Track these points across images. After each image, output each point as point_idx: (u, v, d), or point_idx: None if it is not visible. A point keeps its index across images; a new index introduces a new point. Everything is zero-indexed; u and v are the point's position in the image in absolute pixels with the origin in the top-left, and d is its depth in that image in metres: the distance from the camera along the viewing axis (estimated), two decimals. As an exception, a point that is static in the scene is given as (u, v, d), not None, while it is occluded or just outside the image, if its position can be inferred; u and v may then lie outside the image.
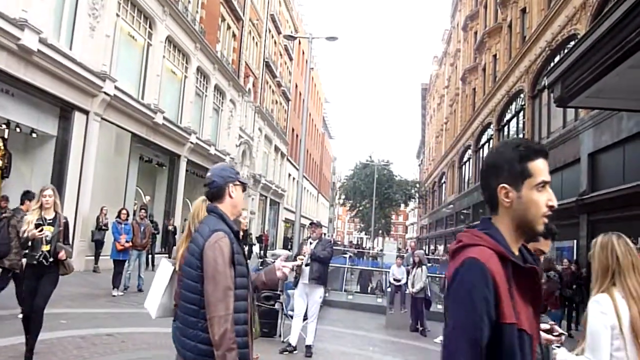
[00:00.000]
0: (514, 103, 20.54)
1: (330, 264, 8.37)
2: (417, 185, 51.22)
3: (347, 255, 20.81)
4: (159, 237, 16.55)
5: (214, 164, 17.96)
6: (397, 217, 79.17)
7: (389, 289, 12.36)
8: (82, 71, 11.78)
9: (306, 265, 6.98)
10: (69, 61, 11.33)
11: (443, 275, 13.84)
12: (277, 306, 8.24)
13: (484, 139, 26.11)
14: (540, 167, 1.48)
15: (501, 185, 1.46)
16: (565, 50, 14.06)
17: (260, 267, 8.65)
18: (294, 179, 41.62)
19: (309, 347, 7.07)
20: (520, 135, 19.21)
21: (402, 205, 55.10)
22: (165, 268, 3.14)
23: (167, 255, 17.37)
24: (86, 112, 12.52)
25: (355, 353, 7.89)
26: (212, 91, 21.71)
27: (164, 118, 16.43)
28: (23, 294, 5.40)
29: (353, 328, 10.34)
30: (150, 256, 14.75)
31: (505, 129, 22.02)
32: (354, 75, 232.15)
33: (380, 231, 51.02)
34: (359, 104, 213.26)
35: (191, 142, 18.88)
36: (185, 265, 2.49)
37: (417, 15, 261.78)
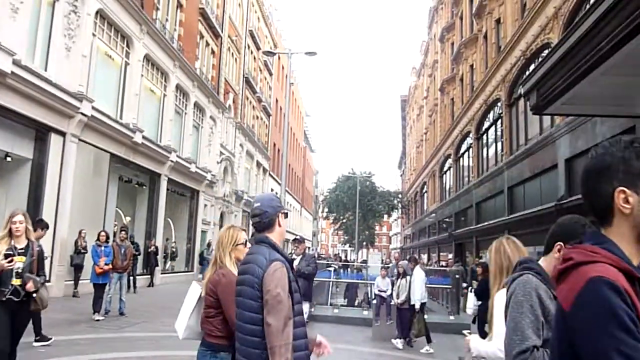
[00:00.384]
0: (492, 111, 20.81)
1: (315, 279, 8.29)
2: (400, 196, 51.49)
3: (331, 269, 20.73)
4: (140, 259, 16.32)
5: (195, 181, 17.87)
6: (381, 228, 79.30)
7: (374, 301, 12.31)
8: (58, 92, 11.64)
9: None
10: (44, 82, 11.19)
11: (429, 285, 13.83)
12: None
13: (464, 147, 26.38)
14: None
15: (619, 189, 1.24)
16: (539, 59, 14.33)
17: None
18: (276, 193, 41.49)
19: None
20: (499, 143, 19.46)
21: (385, 216, 55.29)
22: (194, 291, 3.21)
23: (148, 275, 17.13)
24: (63, 134, 12.35)
25: (343, 368, 7.80)
26: (191, 108, 21.62)
27: (144, 137, 16.29)
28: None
29: (340, 342, 10.24)
30: (131, 278, 14.51)
31: (484, 137, 22.28)
32: (334, 88, 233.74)
33: (364, 243, 51.04)
34: (339, 117, 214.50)
35: (171, 161, 18.73)
36: (241, 296, 2.51)
37: (394, 28, 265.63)
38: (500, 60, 18.53)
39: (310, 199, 69.81)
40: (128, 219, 16.98)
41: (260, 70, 36.45)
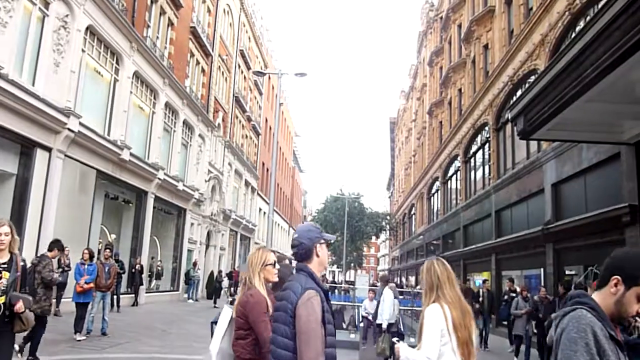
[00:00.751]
0: (480, 135, 21.01)
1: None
2: (388, 217, 51.49)
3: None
4: (124, 277, 16.05)
5: (182, 200, 17.72)
6: (369, 250, 79.07)
7: (361, 324, 12.18)
8: (45, 107, 11.54)
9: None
10: (31, 97, 11.09)
11: (417, 308, 13.77)
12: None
13: (452, 170, 26.54)
14: None
15: None
16: (526, 85, 14.54)
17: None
18: (264, 213, 41.33)
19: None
20: (487, 167, 19.60)
21: (374, 238, 55.20)
22: (226, 313, 3.27)
23: (132, 294, 16.84)
24: (49, 149, 12.21)
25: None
26: (180, 126, 21.57)
27: (131, 154, 16.17)
28: None
29: (325, 366, 10.09)
30: (115, 297, 14.27)
31: (472, 160, 22.45)
32: (324, 109, 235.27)
33: (352, 264, 50.80)
34: (329, 138, 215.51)
35: (159, 178, 18.59)
36: (277, 321, 2.57)
37: (384, 51, 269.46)
38: (488, 85, 18.78)
39: (298, 219, 69.56)
40: (113, 236, 16.75)
41: (251, 89, 36.59)
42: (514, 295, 12.83)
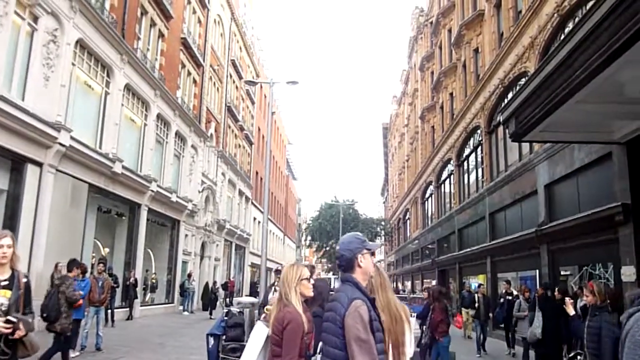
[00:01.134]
0: (472, 139, 21.08)
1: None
2: (383, 223, 51.49)
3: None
4: (119, 291, 15.91)
5: (176, 211, 17.59)
6: (365, 256, 78.85)
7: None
8: (35, 122, 11.46)
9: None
10: (21, 112, 11.01)
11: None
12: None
13: (445, 174, 26.59)
14: None
15: None
16: (517, 87, 14.61)
17: (225, 317, 8.31)
18: (259, 222, 41.20)
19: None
20: (480, 170, 19.64)
21: (369, 244, 55.06)
22: (260, 331, 3.25)
23: (127, 308, 16.69)
24: (40, 164, 12.11)
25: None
26: (172, 137, 21.50)
27: (123, 167, 16.09)
28: None
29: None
30: (109, 311, 14.14)
31: (465, 164, 22.50)
32: (317, 116, 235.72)
33: (348, 271, 50.63)
34: (322, 145, 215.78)
35: (152, 191, 18.49)
36: (326, 332, 2.61)
37: (375, 57, 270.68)
38: (479, 88, 18.87)
39: (293, 227, 69.43)
40: (107, 250, 16.62)
41: (243, 99, 36.60)
42: (510, 297, 12.80)
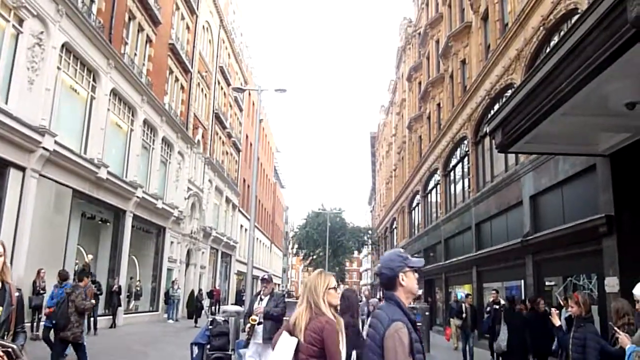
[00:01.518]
0: (459, 149, 21.21)
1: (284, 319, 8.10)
2: (370, 232, 51.55)
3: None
4: (102, 298, 15.68)
5: (162, 218, 17.41)
6: (351, 264, 78.95)
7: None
8: (18, 126, 11.30)
9: (258, 324, 6.66)
10: (4, 116, 10.86)
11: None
12: (228, 367, 7.83)
13: (432, 184, 26.71)
14: None
15: None
16: (503, 99, 14.74)
17: (210, 326, 8.23)
18: (246, 230, 40.99)
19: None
20: (466, 180, 19.75)
21: (356, 252, 55.15)
22: (287, 342, 3.13)
23: (110, 316, 16.44)
24: (23, 169, 11.93)
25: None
26: (159, 144, 21.34)
27: (108, 172, 15.92)
28: None
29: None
30: (92, 319, 13.91)
31: (452, 174, 22.62)
32: (305, 124, 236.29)
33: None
34: (310, 153, 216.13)
35: (137, 197, 18.31)
36: (367, 348, 2.61)
37: (364, 67, 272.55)
38: (466, 99, 19.02)
39: (280, 235, 69.20)
40: (90, 257, 16.37)
41: (231, 105, 36.52)
42: (497, 307, 12.79)
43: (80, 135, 15.22)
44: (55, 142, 12.82)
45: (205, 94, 29.23)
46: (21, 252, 11.72)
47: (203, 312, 22.36)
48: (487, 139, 16.66)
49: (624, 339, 4.55)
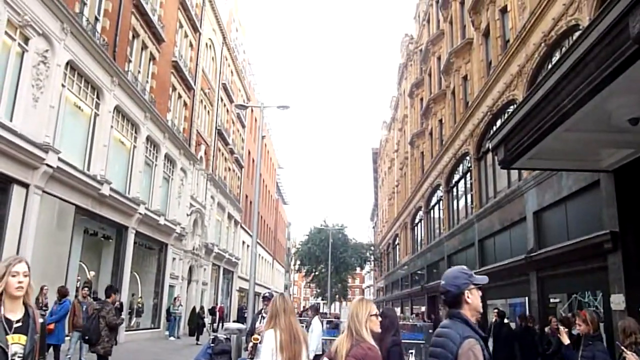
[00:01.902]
0: (461, 165, 21.19)
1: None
2: (372, 248, 51.30)
3: (303, 324, 20.15)
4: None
5: (164, 234, 17.39)
6: (354, 281, 78.49)
7: None
8: (22, 143, 11.35)
9: (260, 342, 6.58)
10: (9, 133, 10.91)
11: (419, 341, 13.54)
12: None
13: (434, 200, 26.64)
14: None
15: None
16: (506, 115, 14.77)
17: (212, 344, 8.16)
18: (248, 246, 40.87)
19: None
20: (469, 196, 19.70)
21: (358, 269, 54.85)
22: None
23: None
24: (26, 186, 11.96)
25: None
26: (162, 160, 21.40)
27: (111, 189, 15.94)
28: None
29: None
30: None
31: (454, 190, 22.57)
32: (307, 141, 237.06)
33: (337, 296, 50.28)
34: (312, 169, 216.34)
35: (140, 213, 18.30)
36: None
37: (366, 84, 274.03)
38: (468, 115, 19.05)
39: (282, 251, 68.97)
40: (92, 273, 16.30)
41: (233, 122, 36.67)
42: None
43: (83, 151, 15.28)
44: (59, 158, 12.87)
45: (208, 111, 29.38)
46: (23, 269, 11.66)
47: (205, 329, 22.19)
48: (489, 155, 16.66)
49: (631, 358, 4.50)
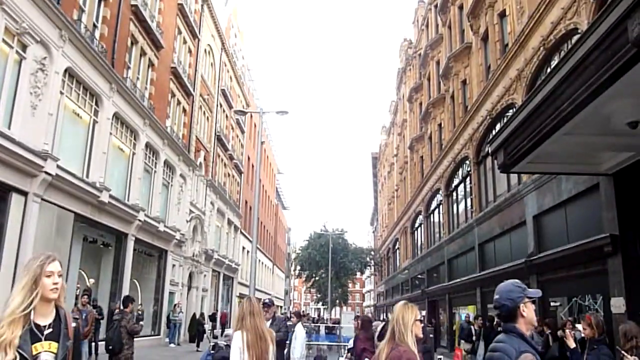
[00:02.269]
0: (461, 169, 21.18)
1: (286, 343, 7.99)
2: (372, 253, 51.23)
3: (293, 330, 20.04)
4: (103, 323, 15.49)
5: (164, 241, 17.32)
6: (354, 285, 78.30)
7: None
8: (21, 151, 11.32)
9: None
10: (7, 141, 10.88)
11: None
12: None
13: (434, 204, 26.61)
14: None
15: None
16: (505, 119, 14.76)
17: (212, 351, 8.09)
18: (248, 252, 40.80)
19: None
20: (469, 200, 19.67)
21: (358, 273, 54.74)
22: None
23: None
24: (25, 194, 11.92)
25: None
26: (161, 167, 21.38)
27: (110, 196, 15.90)
28: None
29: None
30: (93, 344, 13.74)
31: (454, 194, 22.55)
32: (307, 146, 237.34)
33: (337, 301, 50.17)
34: (312, 174, 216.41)
35: (139, 220, 18.26)
36: None
37: (365, 88, 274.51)
38: (467, 119, 19.06)
39: (282, 257, 68.86)
40: (92, 281, 16.26)
41: (232, 128, 36.68)
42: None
43: (82, 159, 15.25)
44: (58, 166, 12.83)
45: (207, 117, 29.38)
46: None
47: (205, 335, 22.11)
48: (489, 159, 16.65)
49: (632, 362, 4.47)
